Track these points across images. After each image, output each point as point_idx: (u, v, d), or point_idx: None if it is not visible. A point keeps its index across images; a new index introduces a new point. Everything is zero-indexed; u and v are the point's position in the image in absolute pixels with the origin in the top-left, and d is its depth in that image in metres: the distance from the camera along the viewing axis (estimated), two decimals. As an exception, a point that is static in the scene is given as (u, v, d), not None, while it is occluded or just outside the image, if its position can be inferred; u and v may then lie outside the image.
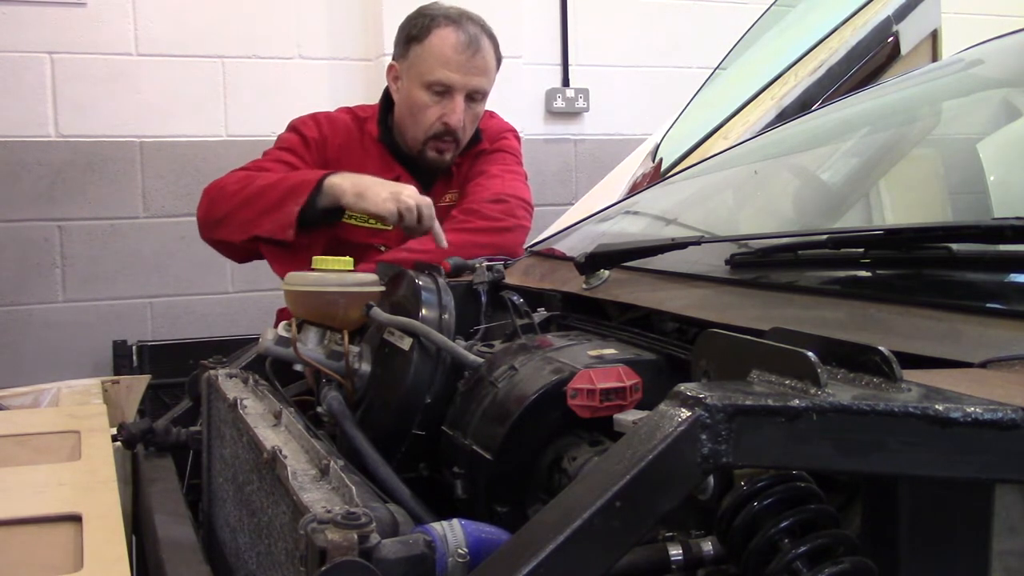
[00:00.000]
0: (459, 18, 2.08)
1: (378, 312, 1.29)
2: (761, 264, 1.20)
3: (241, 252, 2.06)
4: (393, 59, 2.17)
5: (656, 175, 2.32)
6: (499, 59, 2.15)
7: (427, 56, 2.06)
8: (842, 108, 1.98)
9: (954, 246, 1.01)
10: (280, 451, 0.94)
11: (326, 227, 1.96)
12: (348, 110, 2.25)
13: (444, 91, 2.06)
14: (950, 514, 0.67)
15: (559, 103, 3.97)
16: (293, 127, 2.18)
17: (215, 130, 3.50)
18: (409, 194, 1.85)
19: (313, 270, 1.40)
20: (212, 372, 1.41)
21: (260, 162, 2.11)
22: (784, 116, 2.32)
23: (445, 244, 1.84)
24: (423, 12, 2.12)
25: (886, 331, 0.90)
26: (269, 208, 1.93)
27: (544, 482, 0.99)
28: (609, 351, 1.08)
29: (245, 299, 3.56)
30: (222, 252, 2.13)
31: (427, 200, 1.86)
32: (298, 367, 1.40)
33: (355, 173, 1.95)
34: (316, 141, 2.14)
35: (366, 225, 2.03)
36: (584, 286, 1.37)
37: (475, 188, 2.10)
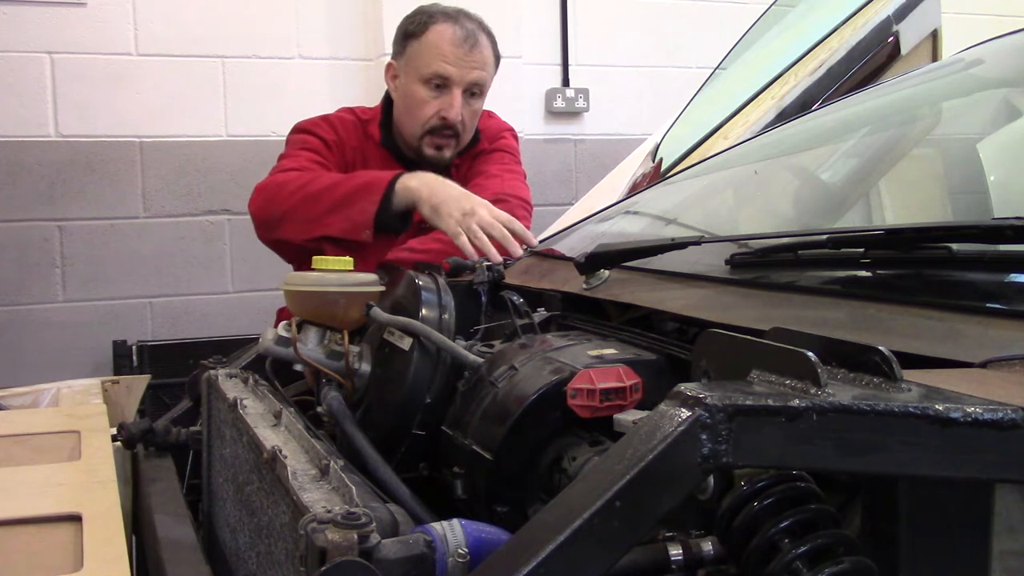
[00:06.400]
0: (456, 15, 2.11)
1: (378, 312, 1.29)
2: (761, 264, 1.20)
3: (301, 254, 1.95)
4: (391, 58, 2.18)
5: (656, 175, 2.32)
6: (498, 57, 2.16)
7: (425, 51, 2.08)
8: (842, 108, 1.97)
9: (954, 246, 1.01)
10: (280, 451, 0.94)
11: (396, 233, 1.89)
12: (350, 111, 2.25)
13: (442, 84, 2.08)
14: (950, 514, 0.67)
15: (559, 103, 3.97)
16: (306, 130, 2.14)
17: (215, 130, 3.50)
18: (480, 219, 1.74)
19: (313, 270, 1.40)
20: (212, 372, 1.41)
21: (295, 162, 2.04)
22: (784, 116, 2.32)
23: (535, 242, 1.75)
24: (421, 10, 2.14)
25: (886, 331, 0.90)
26: (336, 206, 1.87)
27: (544, 482, 0.99)
28: (609, 351, 1.07)
29: (245, 299, 3.56)
30: (280, 253, 2.08)
31: (502, 218, 1.76)
32: (298, 367, 1.40)
33: (429, 176, 1.87)
34: (335, 143, 2.13)
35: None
36: (584, 286, 1.37)
37: (474, 188, 2.10)
